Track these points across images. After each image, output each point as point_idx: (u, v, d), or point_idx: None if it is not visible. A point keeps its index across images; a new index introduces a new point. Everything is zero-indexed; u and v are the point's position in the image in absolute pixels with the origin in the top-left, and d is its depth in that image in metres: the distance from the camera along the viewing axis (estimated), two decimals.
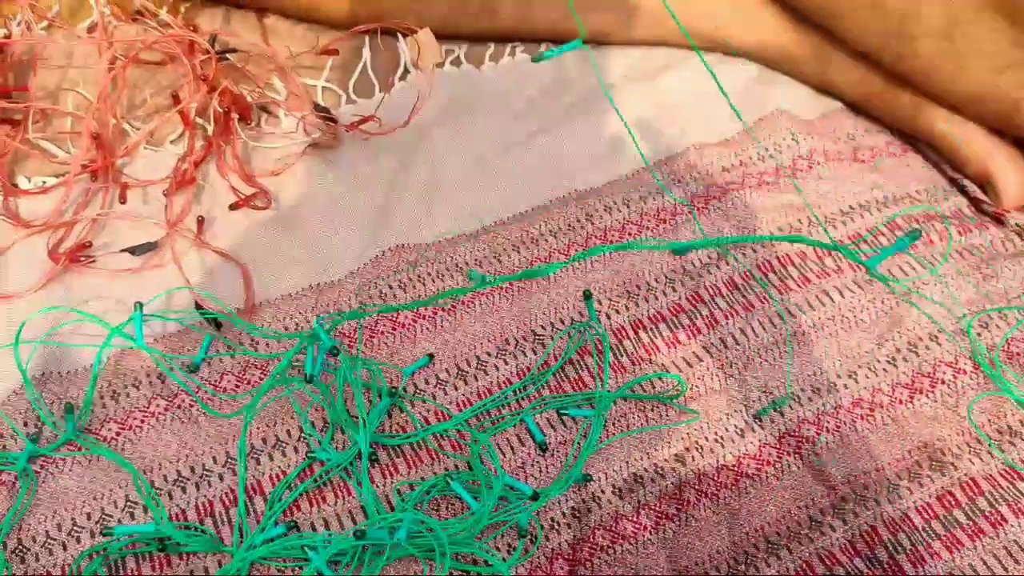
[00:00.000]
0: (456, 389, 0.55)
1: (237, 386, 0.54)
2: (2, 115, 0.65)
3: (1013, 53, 0.60)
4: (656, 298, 0.58)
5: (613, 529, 0.49)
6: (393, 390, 0.53)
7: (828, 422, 0.53)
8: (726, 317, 0.57)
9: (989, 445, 0.52)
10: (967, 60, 0.62)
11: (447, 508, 0.50)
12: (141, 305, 0.55)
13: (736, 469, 0.51)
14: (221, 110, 0.65)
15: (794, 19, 0.69)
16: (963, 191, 0.65)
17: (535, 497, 0.49)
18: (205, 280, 0.59)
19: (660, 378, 0.54)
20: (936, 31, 0.62)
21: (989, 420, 0.53)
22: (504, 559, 0.48)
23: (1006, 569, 0.48)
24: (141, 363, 0.55)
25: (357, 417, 0.52)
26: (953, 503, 0.50)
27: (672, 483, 0.51)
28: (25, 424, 0.52)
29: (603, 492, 0.50)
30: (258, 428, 0.53)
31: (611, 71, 0.72)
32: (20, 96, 0.66)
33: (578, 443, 0.52)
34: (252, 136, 0.66)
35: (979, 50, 0.61)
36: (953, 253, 0.60)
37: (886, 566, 0.48)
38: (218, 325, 0.56)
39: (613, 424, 0.53)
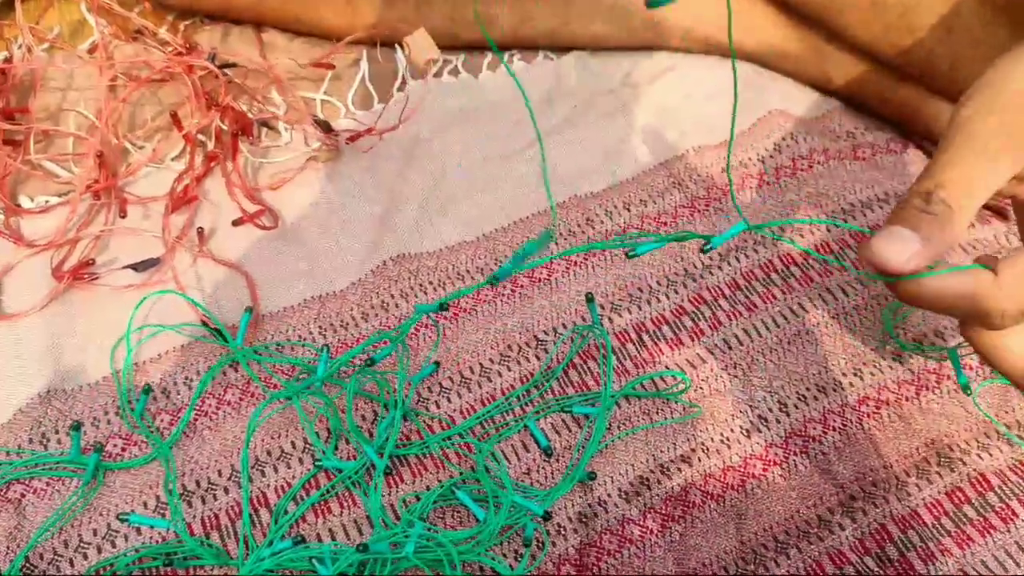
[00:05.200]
0: (460, 397, 0.55)
1: (241, 399, 0.55)
2: (4, 136, 0.65)
3: (1010, 45, 0.60)
4: (658, 300, 0.58)
5: (620, 533, 0.49)
6: (405, 400, 0.53)
7: (835, 421, 0.53)
8: (729, 318, 0.57)
9: (1007, 436, 0.52)
10: (966, 52, 0.62)
11: (452, 516, 0.50)
12: (250, 309, 0.56)
13: (742, 470, 0.51)
14: (225, 128, 0.65)
15: (791, 18, 0.69)
16: None
17: (547, 517, 0.49)
18: (209, 294, 0.59)
19: (663, 377, 0.54)
20: (935, 24, 0.62)
21: (997, 414, 0.53)
22: (511, 566, 0.48)
23: (1018, 565, 0.47)
24: (147, 379, 0.55)
25: (367, 428, 0.52)
26: (963, 499, 0.50)
27: (678, 485, 0.50)
28: (30, 441, 0.52)
29: (609, 496, 0.50)
30: (262, 440, 0.53)
31: (610, 76, 0.72)
32: (21, 117, 0.67)
33: (580, 446, 0.52)
34: (254, 152, 0.67)
35: (977, 40, 0.61)
36: (956, 247, 0.60)
37: (897, 564, 0.48)
38: (225, 339, 0.56)
39: (618, 427, 0.53)
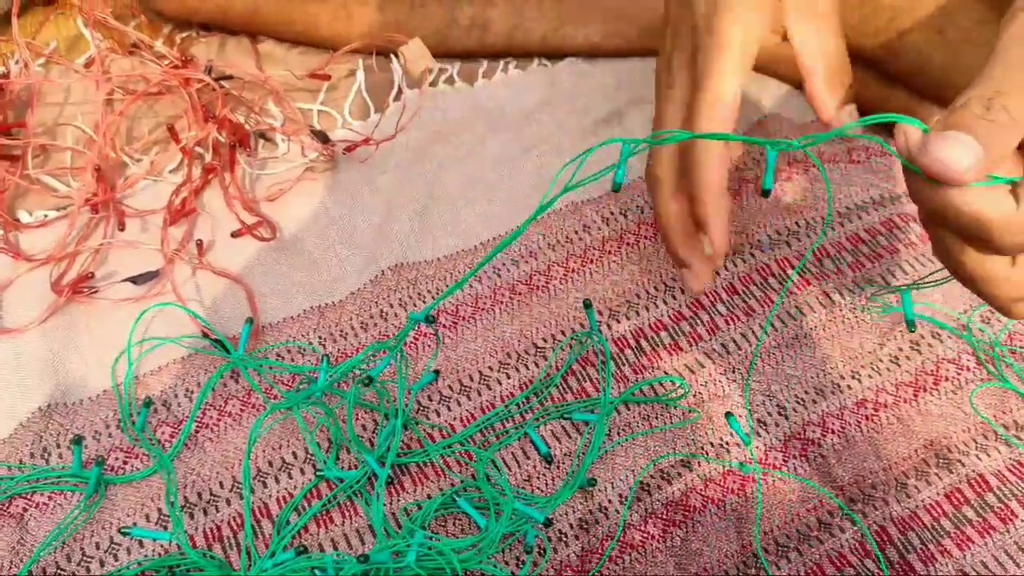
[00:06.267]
0: (460, 405, 0.55)
1: (242, 410, 0.55)
2: (2, 151, 0.66)
3: None
4: (656, 306, 0.59)
5: (621, 539, 0.49)
6: (405, 409, 0.53)
7: (833, 424, 0.53)
8: (727, 323, 0.57)
9: (1004, 437, 0.52)
10: (958, 51, 0.62)
11: (454, 524, 0.50)
12: (251, 320, 0.57)
13: (742, 474, 0.51)
14: (223, 140, 0.66)
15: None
16: None
17: (548, 524, 0.49)
18: (208, 305, 0.59)
19: (661, 382, 0.55)
20: (927, 24, 0.62)
21: (995, 415, 0.53)
22: (513, 573, 0.48)
23: (1018, 565, 0.48)
24: (147, 392, 0.55)
25: (368, 437, 0.52)
26: (962, 500, 0.50)
27: (678, 490, 0.51)
28: (32, 455, 0.53)
29: (610, 502, 0.50)
30: (263, 451, 0.53)
31: (605, 82, 0.73)
32: (19, 132, 0.67)
33: (580, 452, 0.52)
34: (251, 163, 0.67)
35: (970, 40, 0.61)
36: None
37: (897, 566, 0.48)
38: (227, 350, 0.57)
39: (618, 433, 0.53)
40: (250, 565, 0.49)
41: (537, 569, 0.48)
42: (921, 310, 0.56)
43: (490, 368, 0.56)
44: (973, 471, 0.51)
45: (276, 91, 0.68)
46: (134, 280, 0.59)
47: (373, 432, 0.54)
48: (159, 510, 0.51)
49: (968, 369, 0.55)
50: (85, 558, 0.49)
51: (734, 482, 0.51)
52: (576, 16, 0.72)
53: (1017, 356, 0.55)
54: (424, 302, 0.59)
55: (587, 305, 0.56)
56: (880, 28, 0.62)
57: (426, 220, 0.64)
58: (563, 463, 0.52)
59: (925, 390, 0.54)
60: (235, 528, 0.50)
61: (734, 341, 0.57)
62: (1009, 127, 0.33)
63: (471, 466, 0.52)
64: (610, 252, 0.61)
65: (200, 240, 0.62)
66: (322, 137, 0.66)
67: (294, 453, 0.53)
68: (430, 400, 0.55)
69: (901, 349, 0.56)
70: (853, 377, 0.55)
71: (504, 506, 0.49)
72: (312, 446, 0.53)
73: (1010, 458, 0.51)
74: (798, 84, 0.71)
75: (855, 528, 0.49)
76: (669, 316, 0.58)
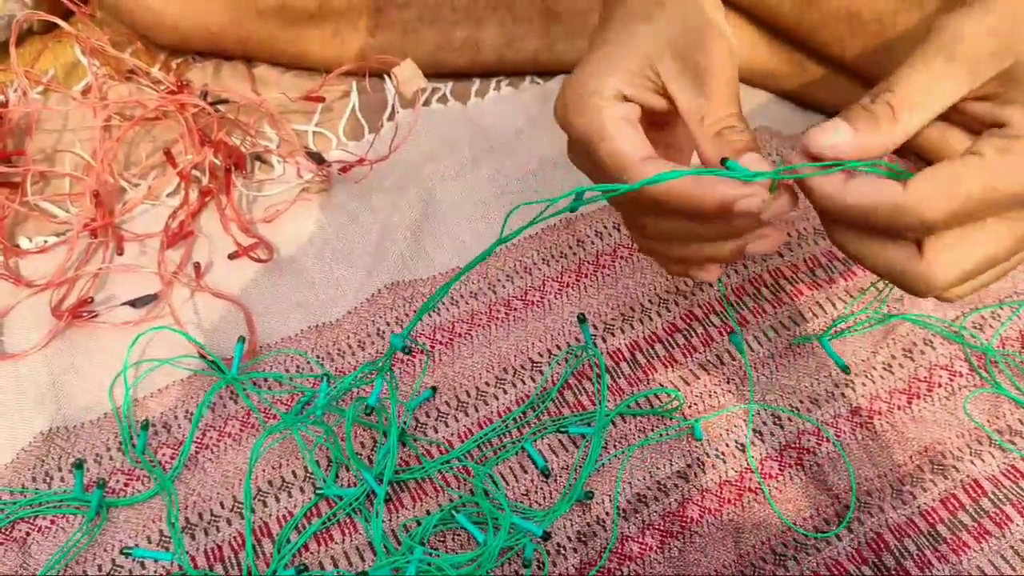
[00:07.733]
0: (457, 421, 0.55)
1: (242, 430, 0.55)
2: (1, 179, 0.67)
3: None
4: (651, 319, 0.59)
5: (619, 551, 0.49)
6: (403, 426, 0.53)
7: (828, 432, 0.53)
8: (720, 334, 0.58)
9: (998, 442, 0.52)
10: None
11: (453, 539, 0.50)
12: (243, 339, 0.57)
13: (739, 484, 0.52)
14: (218, 162, 0.66)
15: (775, 38, 0.70)
16: None
17: (546, 537, 0.49)
18: (207, 327, 0.60)
19: (656, 394, 0.55)
20: (912, 37, 0.62)
21: (988, 420, 0.53)
22: None
23: (1014, 569, 0.48)
24: (147, 414, 0.56)
25: (366, 455, 0.53)
26: (957, 505, 0.50)
27: (675, 501, 0.51)
28: (34, 479, 0.53)
29: (607, 515, 0.51)
30: (263, 470, 0.53)
31: None
32: (18, 160, 0.68)
33: (577, 465, 0.53)
34: (247, 185, 0.68)
35: None
36: None
37: (894, 572, 0.48)
38: (220, 370, 0.57)
39: (614, 445, 0.53)
40: None
41: None
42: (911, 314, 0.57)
43: (487, 384, 0.57)
44: (968, 476, 0.51)
45: (271, 114, 0.69)
46: (133, 303, 0.60)
47: (372, 450, 0.54)
48: (160, 531, 0.51)
49: (961, 375, 0.55)
50: None
51: (730, 492, 0.51)
52: (567, 34, 0.73)
53: (1009, 360, 0.56)
54: (420, 320, 0.60)
55: (581, 320, 0.56)
56: (867, 39, 0.63)
57: (421, 238, 0.64)
58: (560, 477, 0.53)
59: (919, 397, 0.54)
60: (236, 548, 0.51)
61: (728, 352, 0.57)
62: (886, 118, 0.37)
63: (469, 481, 0.52)
64: (604, 266, 0.62)
65: (198, 263, 0.62)
66: (317, 158, 0.67)
67: (294, 472, 0.53)
68: (428, 416, 0.55)
69: (894, 357, 0.56)
70: (847, 385, 0.55)
71: (502, 521, 0.49)
72: (311, 465, 0.53)
73: (1004, 462, 0.52)
74: (792, 97, 0.72)
75: (851, 536, 0.49)
76: (664, 328, 0.59)
